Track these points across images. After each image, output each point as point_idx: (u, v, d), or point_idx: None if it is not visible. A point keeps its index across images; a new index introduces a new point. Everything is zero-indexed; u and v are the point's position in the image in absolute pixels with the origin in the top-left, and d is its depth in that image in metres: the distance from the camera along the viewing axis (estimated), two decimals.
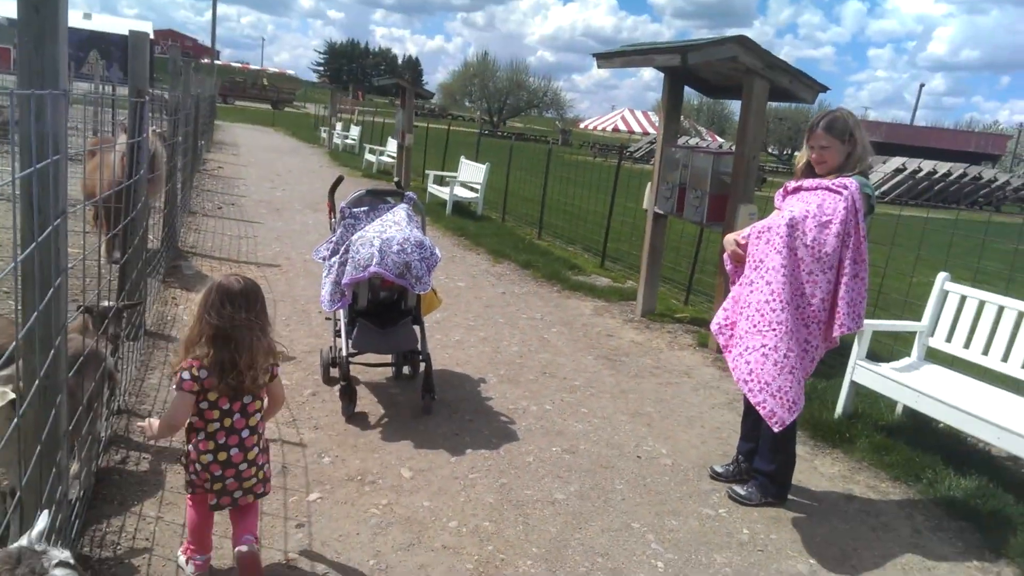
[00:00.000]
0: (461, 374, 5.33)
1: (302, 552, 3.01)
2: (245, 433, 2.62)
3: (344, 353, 4.32)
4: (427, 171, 14.36)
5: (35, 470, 2.48)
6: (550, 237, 12.05)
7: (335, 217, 4.87)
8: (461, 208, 13.36)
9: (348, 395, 4.30)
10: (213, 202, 11.71)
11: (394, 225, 4.28)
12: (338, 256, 4.27)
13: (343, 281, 4.14)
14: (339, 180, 4.97)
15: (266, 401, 2.74)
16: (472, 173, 13.52)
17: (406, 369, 5.07)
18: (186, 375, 2.51)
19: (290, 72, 70.28)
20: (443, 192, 13.21)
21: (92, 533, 2.95)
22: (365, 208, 4.50)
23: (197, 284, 6.87)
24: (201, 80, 15.37)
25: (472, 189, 13.42)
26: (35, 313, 2.34)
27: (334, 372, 4.93)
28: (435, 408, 4.58)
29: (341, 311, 4.42)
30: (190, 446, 2.62)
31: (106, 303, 3.73)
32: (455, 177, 13.65)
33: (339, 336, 4.71)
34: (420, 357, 4.52)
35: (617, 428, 4.68)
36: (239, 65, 65.93)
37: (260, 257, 8.24)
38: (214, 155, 18.69)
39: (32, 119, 2.23)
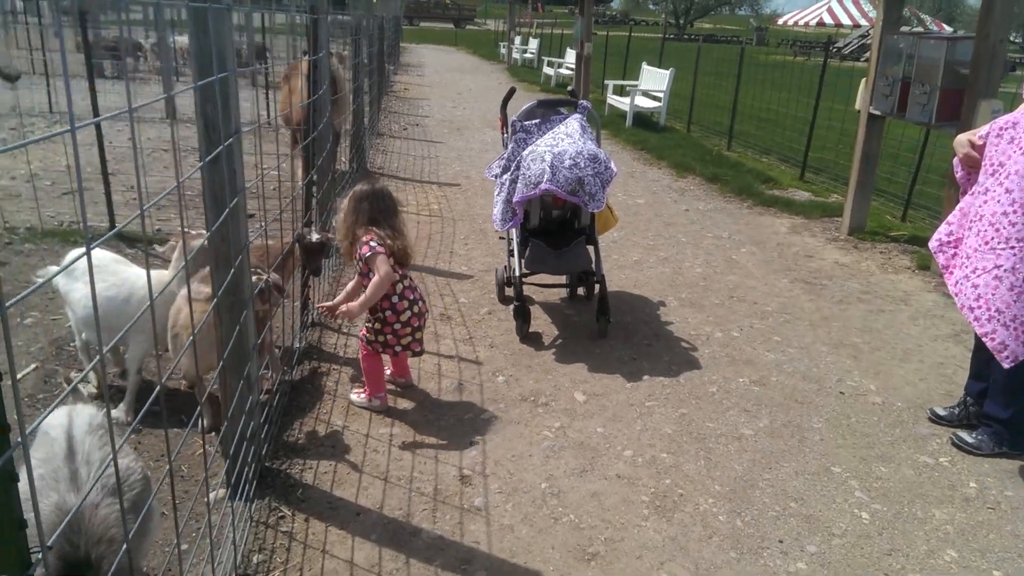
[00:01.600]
0: (639, 296, 5.07)
1: (476, 470, 3.00)
2: (419, 290, 3.38)
3: (517, 273, 4.23)
4: (606, 81, 13.73)
5: (226, 380, 2.65)
6: (741, 148, 11.11)
7: (507, 132, 4.70)
8: (642, 119, 12.69)
9: (522, 315, 4.23)
10: (399, 123, 12.08)
11: (566, 138, 4.02)
12: (509, 173, 4.11)
13: (514, 199, 3.99)
14: (511, 93, 4.77)
15: None
16: (655, 80, 12.71)
17: (580, 290, 4.90)
18: (373, 243, 3.18)
19: None
20: (623, 103, 12.59)
21: (285, 437, 3.16)
22: (536, 121, 4.27)
23: None
24: (386, 2, 15.72)
25: (654, 98, 12.65)
26: (211, 230, 2.42)
27: (508, 292, 4.89)
28: (610, 331, 4.39)
29: (514, 230, 4.30)
30: (387, 312, 3.24)
31: (315, 236, 3.86)
32: (636, 86, 12.92)
33: (512, 256, 4.62)
34: (595, 278, 4.31)
35: (816, 359, 4.20)
36: None
37: (441, 177, 8.38)
38: (400, 77, 19.29)
39: (197, 33, 2.23)
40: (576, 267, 4.25)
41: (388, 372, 3.64)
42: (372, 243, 3.18)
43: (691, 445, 3.26)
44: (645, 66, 13.32)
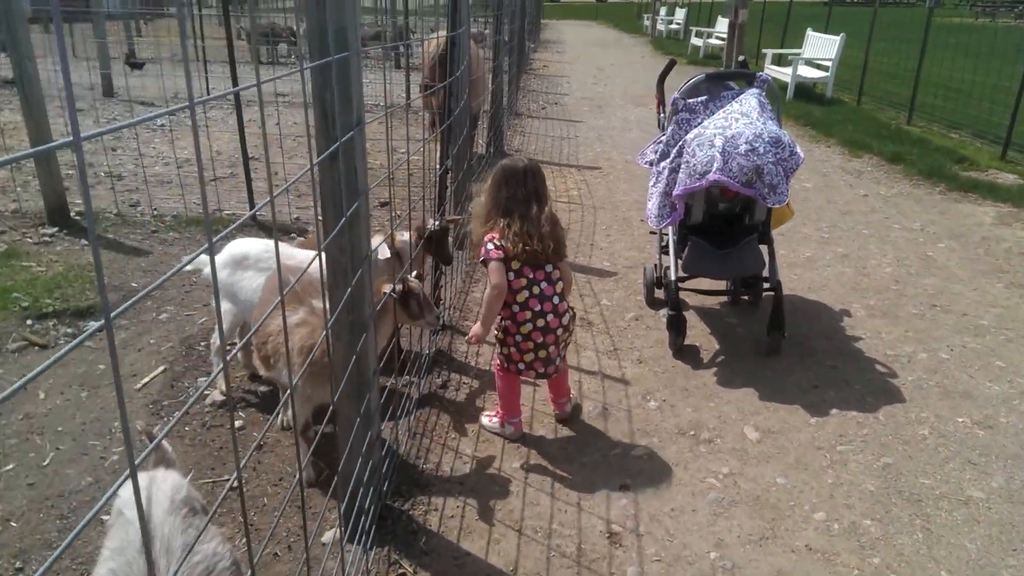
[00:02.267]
0: (815, 303, 4.31)
1: (627, 526, 2.50)
2: (556, 300, 2.79)
3: (673, 277, 3.64)
4: (764, 50, 12.52)
5: (344, 411, 2.31)
6: (924, 122, 9.69)
7: (664, 111, 4.08)
8: (804, 91, 11.44)
9: (676, 326, 3.64)
10: (538, 102, 11.62)
11: (741, 118, 3.35)
12: (668, 160, 3.51)
13: (675, 192, 3.38)
14: (670, 66, 4.14)
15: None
16: (822, 47, 11.40)
17: (745, 295, 4.22)
18: (490, 245, 2.76)
19: None
20: (783, 73, 11.41)
21: (410, 462, 2.80)
22: (703, 99, 3.62)
23: None
24: None
25: (820, 67, 11.35)
26: (327, 239, 2.05)
27: (659, 293, 4.31)
28: (784, 348, 3.70)
29: (670, 227, 3.70)
30: (506, 321, 2.81)
31: (433, 222, 3.52)
32: (799, 54, 11.67)
33: (666, 253, 4.02)
34: (768, 285, 3.63)
35: None
36: None
37: (581, 159, 7.84)
38: (540, 54, 18.80)
39: (312, 5, 1.84)
40: (747, 270, 3.60)
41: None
42: (489, 245, 2.77)
43: (903, 509, 2.57)
44: (810, 32, 11.98)
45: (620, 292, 4.51)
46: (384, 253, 3.00)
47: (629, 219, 5.92)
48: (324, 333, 2.07)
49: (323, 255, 2.18)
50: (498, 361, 2.94)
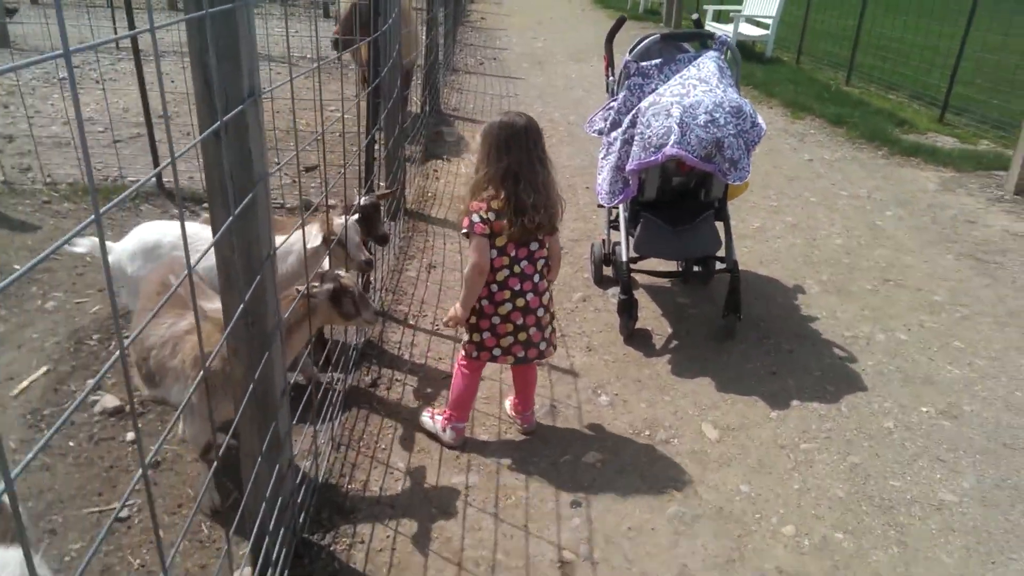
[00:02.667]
0: (768, 278, 4.11)
1: (580, 551, 2.23)
2: (536, 278, 2.50)
3: (623, 257, 3.35)
4: (705, 6, 12.23)
5: (247, 438, 1.94)
6: (862, 82, 9.63)
7: (613, 74, 3.74)
8: (745, 50, 11.24)
9: (628, 311, 3.37)
10: (475, 57, 11.07)
11: (699, 84, 3.03)
12: (620, 130, 3.18)
13: (628, 167, 3.06)
14: (620, 23, 3.77)
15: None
16: (762, 5, 11.18)
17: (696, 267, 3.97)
18: (476, 218, 2.40)
19: None
20: (724, 30, 11.14)
21: (331, 483, 2.45)
22: (657, 62, 3.28)
23: (459, 153, 6.28)
24: None
25: (760, 25, 11.15)
26: (219, 235, 1.66)
27: (607, 271, 4.03)
28: (739, 329, 3.49)
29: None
30: (483, 301, 2.49)
31: (363, 199, 3.11)
32: (739, 11, 11.43)
33: (615, 228, 3.73)
34: (724, 265, 3.39)
35: (1017, 376, 3.21)
36: None
37: None
38: (477, 5, 18.05)
39: None
40: (702, 250, 3.34)
41: (509, 402, 2.86)
42: (475, 217, 2.39)
43: (875, 518, 2.39)
44: None
45: (566, 269, 4.21)
46: (314, 240, 2.60)
47: (574, 186, 5.60)
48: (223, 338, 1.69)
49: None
50: (463, 352, 2.60)
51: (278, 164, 5.04)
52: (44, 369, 3.04)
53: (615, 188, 3.20)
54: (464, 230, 2.42)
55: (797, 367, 3.25)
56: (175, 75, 8.09)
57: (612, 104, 3.42)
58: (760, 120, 3.01)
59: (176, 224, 2.80)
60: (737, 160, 2.90)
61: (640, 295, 3.83)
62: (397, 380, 3.09)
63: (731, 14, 11.32)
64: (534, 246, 2.47)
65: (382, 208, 3.26)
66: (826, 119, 7.67)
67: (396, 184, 4.41)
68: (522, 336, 2.51)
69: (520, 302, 2.47)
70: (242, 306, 1.73)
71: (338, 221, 2.67)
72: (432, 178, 5.65)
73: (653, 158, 2.95)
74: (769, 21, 10.88)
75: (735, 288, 3.31)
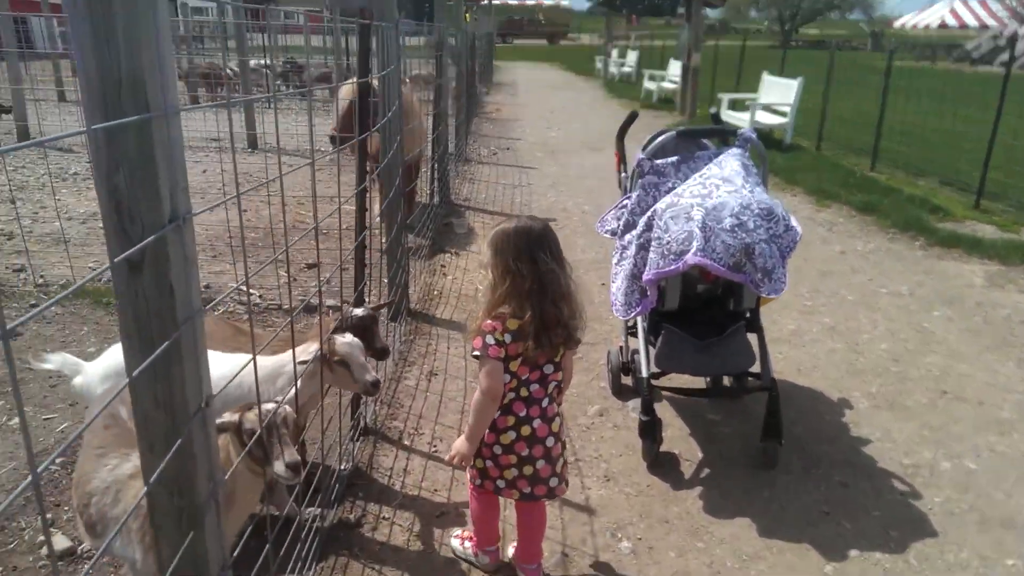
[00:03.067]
0: (809, 391, 3.68)
1: None
2: (545, 402, 2.17)
3: (644, 373, 2.96)
4: (720, 95, 12.22)
5: None
6: (887, 168, 9.37)
7: (626, 170, 3.46)
8: (763, 137, 11.07)
9: (651, 433, 2.95)
10: (489, 147, 11.05)
11: (723, 184, 2.72)
12: (635, 233, 2.85)
13: (645, 276, 2.71)
14: (631, 118, 3.53)
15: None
16: (779, 92, 11.12)
17: (726, 379, 3.55)
18: (491, 339, 2.06)
19: (564, 3, 69.79)
20: (741, 119, 11.07)
21: None
22: (674, 159, 2.99)
23: (469, 246, 6.02)
24: (479, 20, 14.85)
25: (779, 113, 11.06)
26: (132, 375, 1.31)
27: (626, 380, 3.63)
28: (781, 453, 3.04)
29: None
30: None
31: (358, 311, 2.78)
32: (755, 99, 11.38)
33: (633, 335, 3.36)
34: (759, 382, 2.98)
35: None
36: (515, 2, 67.02)
37: (535, 208, 7.21)
38: (493, 97, 18.39)
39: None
40: (732, 367, 2.94)
41: (512, 550, 2.46)
42: (489, 339, 2.05)
43: None
44: (766, 76, 11.73)
45: (580, 376, 3.82)
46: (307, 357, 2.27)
47: (588, 283, 5.26)
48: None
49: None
50: (471, 475, 2.27)
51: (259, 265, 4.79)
52: None
53: (631, 299, 2.84)
54: (476, 352, 2.08)
55: (853, 505, 2.78)
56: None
57: (625, 202, 3.12)
58: (794, 222, 2.67)
59: None
60: (771, 269, 2.55)
61: (664, 409, 3.41)
62: (384, 519, 2.67)
63: (747, 103, 11.27)
64: (548, 368, 2.14)
65: (380, 319, 2.92)
66: (853, 207, 7.36)
67: (395, 289, 4.10)
68: (527, 470, 2.15)
69: (525, 430, 2.13)
70: (171, 467, 1.37)
71: (340, 340, 2.34)
72: (439, 274, 5.35)
73: (673, 267, 2.60)
74: (787, 109, 10.77)
75: (775, 411, 2.89)
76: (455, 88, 8.86)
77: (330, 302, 4.68)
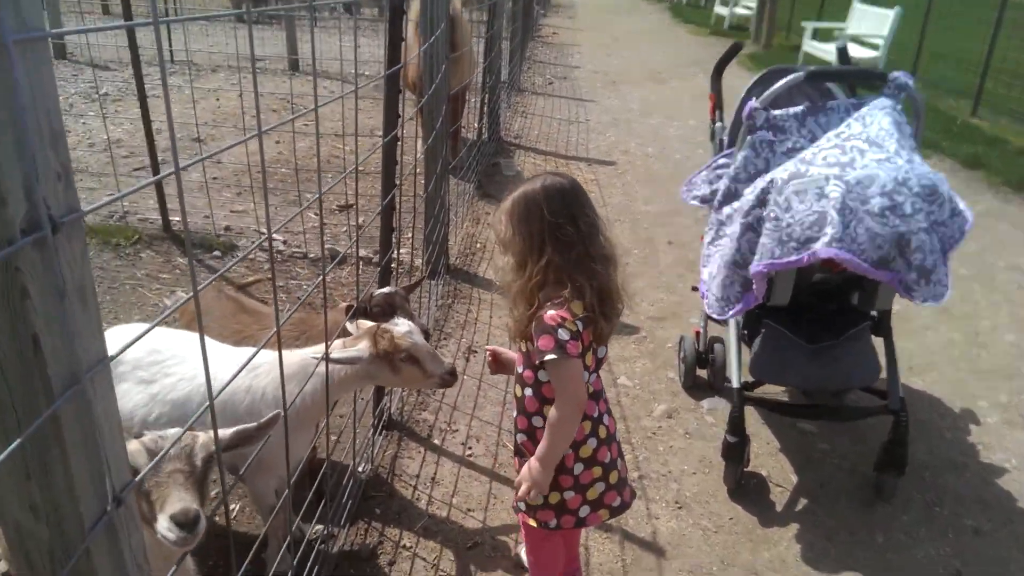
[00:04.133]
0: (924, 396, 3.05)
1: None
2: (603, 392, 1.78)
3: (735, 382, 2.37)
4: (803, 23, 11.01)
5: None
6: (990, 114, 8.29)
7: (721, 118, 2.77)
8: None
9: (737, 456, 2.39)
10: (544, 76, 10.21)
11: (869, 149, 2.04)
12: (739, 207, 2.20)
13: (754, 266, 2.07)
14: (734, 50, 2.82)
15: None
16: (872, 23, 9.92)
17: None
18: (564, 335, 1.56)
19: None
20: (826, 51, 9.97)
21: None
22: (797, 111, 2.29)
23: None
24: None
25: (870, 46, 9.90)
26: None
27: (701, 373, 3.05)
28: (899, 488, 2.45)
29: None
30: None
31: (377, 291, 2.26)
32: (843, 29, 10.21)
33: (712, 317, 2.74)
34: (884, 403, 2.36)
35: None
36: None
37: (592, 150, 6.51)
38: (549, 19, 17.23)
39: None
40: (851, 381, 2.33)
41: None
42: (562, 333, 1.55)
43: None
44: (857, 4, 10.48)
45: (644, 362, 3.26)
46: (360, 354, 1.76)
47: (653, 239, 4.63)
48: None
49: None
50: (533, 524, 1.75)
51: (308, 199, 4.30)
52: None
53: (729, 292, 2.21)
54: (550, 355, 1.54)
55: (990, 560, 2.20)
56: (226, 89, 7.46)
57: (724, 164, 2.46)
58: (962, 205, 2.00)
59: (152, 334, 1.95)
60: (931, 269, 1.90)
61: (746, 413, 2.83)
62: (405, 547, 2.19)
63: (835, 33, 10.13)
64: (601, 351, 1.72)
65: (408, 299, 2.37)
66: (957, 159, 6.45)
67: (432, 249, 3.55)
68: (613, 477, 1.73)
69: (602, 431, 1.71)
70: None
71: (401, 329, 1.81)
72: (483, 223, 4.77)
73: (794, 258, 1.97)
74: (879, 41, 9.62)
75: (900, 439, 2.28)
76: (510, 7, 8.03)
77: (363, 252, 4.17)
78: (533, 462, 1.65)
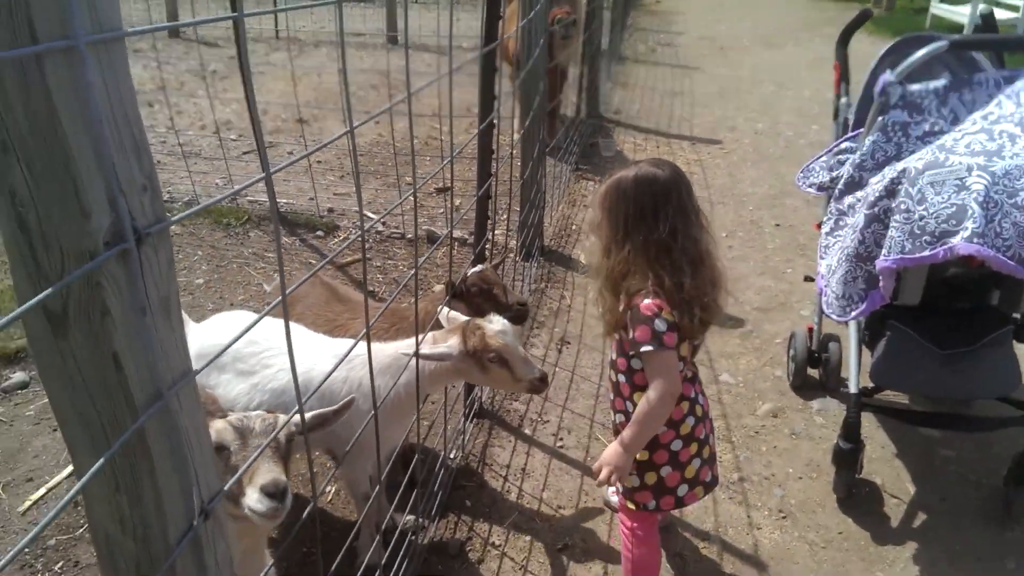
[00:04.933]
0: None
1: None
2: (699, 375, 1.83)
3: (853, 387, 2.18)
4: None
5: None
6: None
7: (846, 95, 2.53)
8: None
9: (850, 464, 2.21)
10: (646, 43, 9.85)
11: (1022, 135, 1.79)
12: (865, 196, 1.99)
13: (881, 261, 1.87)
14: (862, 17, 2.56)
15: None
16: None
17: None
18: (660, 325, 1.57)
19: None
20: (959, 14, 9.09)
21: None
22: (938, 86, 2.04)
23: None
24: None
25: (1010, 7, 8.95)
26: None
27: (813, 373, 2.85)
28: None
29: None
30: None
31: (472, 269, 2.22)
32: None
33: (826, 310, 2.54)
34: (1022, 414, 2.11)
35: None
36: None
37: (696, 127, 6.20)
38: None
39: None
40: (986, 390, 2.10)
41: None
42: (658, 323, 1.56)
43: None
44: None
45: (749, 359, 3.08)
46: (452, 351, 1.74)
47: (759, 223, 4.37)
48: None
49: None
50: (632, 507, 1.77)
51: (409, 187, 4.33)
52: (68, 471, 2.43)
53: (852, 290, 2.01)
54: (646, 346, 1.56)
55: None
56: (328, 67, 7.59)
57: (848, 147, 2.24)
58: None
59: (243, 320, 2.00)
60: None
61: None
62: (494, 545, 2.16)
63: None
64: (696, 339, 1.73)
65: (497, 275, 2.30)
66: None
67: (526, 231, 3.48)
68: (706, 452, 1.77)
69: (698, 410, 1.75)
70: None
71: (493, 328, 1.78)
72: (579, 205, 4.65)
73: (928, 252, 1.75)
74: (1020, 2, 8.67)
75: None
76: None
77: (457, 233, 4.16)
78: (615, 445, 1.65)
